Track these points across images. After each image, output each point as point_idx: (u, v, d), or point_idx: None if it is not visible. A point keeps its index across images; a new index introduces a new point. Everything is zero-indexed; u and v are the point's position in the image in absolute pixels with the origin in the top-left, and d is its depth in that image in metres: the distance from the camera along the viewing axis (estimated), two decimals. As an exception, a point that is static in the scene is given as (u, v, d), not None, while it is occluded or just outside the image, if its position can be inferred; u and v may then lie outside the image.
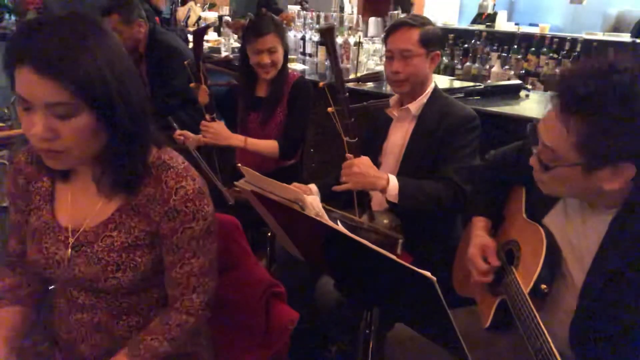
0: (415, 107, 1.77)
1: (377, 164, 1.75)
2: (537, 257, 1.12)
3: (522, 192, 1.33)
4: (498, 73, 2.96)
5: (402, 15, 3.43)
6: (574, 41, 3.18)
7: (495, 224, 1.40)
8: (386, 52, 1.78)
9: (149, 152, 1.01)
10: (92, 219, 1.03)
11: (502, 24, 4.60)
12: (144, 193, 1.01)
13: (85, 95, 0.85)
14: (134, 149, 0.96)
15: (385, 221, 1.63)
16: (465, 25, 5.10)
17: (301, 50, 3.73)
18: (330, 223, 1.08)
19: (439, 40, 1.78)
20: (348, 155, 1.60)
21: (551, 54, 3.24)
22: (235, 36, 4.10)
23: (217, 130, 2.06)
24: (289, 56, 2.35)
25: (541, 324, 1.00)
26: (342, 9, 4.62)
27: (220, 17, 4.50)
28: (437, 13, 5.29)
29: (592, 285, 1.05)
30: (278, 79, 2.18)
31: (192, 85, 2.04)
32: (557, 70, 3.14)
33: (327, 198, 1.71)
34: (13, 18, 4.71)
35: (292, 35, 3.69)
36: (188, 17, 4.94)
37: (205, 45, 3.65)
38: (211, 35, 4.33)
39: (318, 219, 1.09)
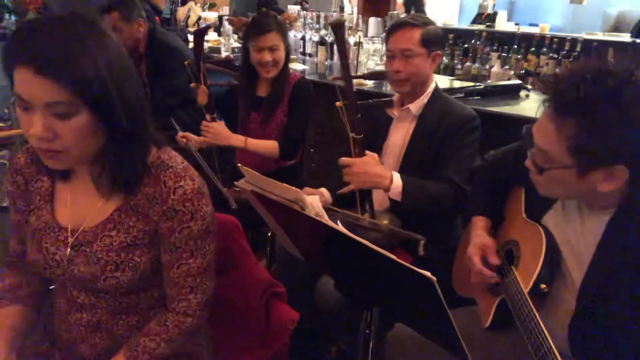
0: (415, 107, 1.77)
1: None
2: (536, 257, 1.12)
3: (521, 192, 1.33)
4: (498, 73, 2.95)
5: (402, 15, 3.43)
6: (574, 41, 3.18)
7: (495, 224, 1.40)
8: (387, 52, 1.78)
9: (148, 152, 1.01)
10: (91, 219, 1.03)
11: (502, 24, 4.61)
12: (143, 193, 1.01)
13: (84, 95, 0.85)
14: (132, 148, 0.96)
15: (386, 221, 1.63)
16: (465, 25, 5.10)
17: (301, 50, 3.73)
18: (330, 223, 1.08)
19: (440, 40, 1.79)
20: (353, 151, 1.58)
21: (551, 54, 3.24)
22: (235, 36, 4.10)
23: (217, 130, 2.06)
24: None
25: (541, 323, 1.00)
26: (342, 9, 4.63)
27: (220, 17, 4.50)
28: (437, 13, 5.30)
29: (591, 284, 1.06)
30: (279, 79, 2.18)
31: (192, 85, 2.04)
32: (557, 70, 3.14)
33: (338, 202, 1.72)
34: (13, 18, 4.71)
35: (292, 35, 3.69)
36: (188, 17, 4.94)
37: (205, 45, 3.65)
38: (211, 35, 4.34)
39: (318, 219, 1.09)
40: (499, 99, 2.47)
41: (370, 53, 3.30)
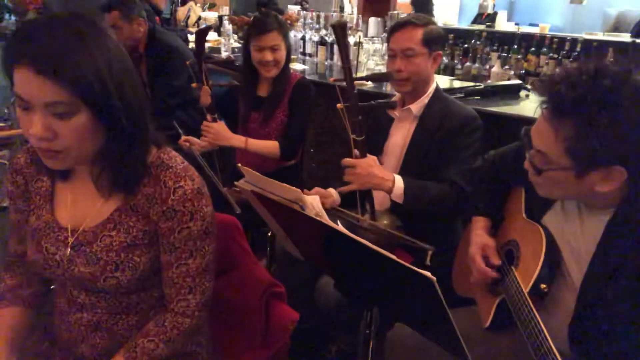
0: (416, 107, 1.77)
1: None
2: (536, 257, 1.12)
3: (521, 192, 1.33)
4: (498, 73, 2.95)
5: (403, 15, 3.43)
6: (574, 41, 3.18)
7: (495, 224, 1.40)
8: (389, 51, 1.78)
9: (148, 152, 1.01)
10: (91, 219, 1.03)
11: (502, 24, 4.61)
12: (143, 193, 1.01)
13: (83, 95, 0.85)
14: (132, 148, 0.96)
15: (386, 222, 1.63)
16: (465, 25, 5.11)
17: (301, 50, 3.73)
18: (330, 223, 1.08)
19: (441, 41, 1.79)
20: (355, 152, 1.58)
21: (551, 54, 3.24)
22: (236, 36, 4.10)
23: (218, 131, 2.06)
24: (289, 56, 2.34)
25: (541, 323, 1.00)
26: (342, 9, 4.63)
27: (220, 17, 4.50)
28: (437, 13, 5.30)
29: (591, 284, 1.06)
30: (280, 79, 2.18)
31: (193, 85, 2.04)
32: (557, 70, 3.14)
33: (341, 203, 1.72)
34: (13, 18, 4.72)
35: (292, 35, 3.69)
36: (188, 17, 4.94)
37: (205, 45, 3.65)
38: (211, 35, 4.33)
39: (318, 219, 1.09)
40: (499, 99, 2.47)
41: (370, 53, 3.30)
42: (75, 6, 3.79)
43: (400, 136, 1.81)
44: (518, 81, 2.71)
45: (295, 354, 1.45)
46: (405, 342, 1.34)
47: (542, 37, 3.39)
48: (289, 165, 2.31)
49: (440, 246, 1.71)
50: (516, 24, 4.68)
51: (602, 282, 1.03)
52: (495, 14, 4.75)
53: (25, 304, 1.13)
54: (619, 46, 3.33)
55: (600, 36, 3.92)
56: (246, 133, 2.19)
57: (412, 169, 1.72)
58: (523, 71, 3.28)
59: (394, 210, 1.69)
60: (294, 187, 1.16)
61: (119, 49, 0.92)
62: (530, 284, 1.10)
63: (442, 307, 0.91)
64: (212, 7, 5.22)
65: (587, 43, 3.19)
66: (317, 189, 1.75)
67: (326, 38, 3.55)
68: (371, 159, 1.58)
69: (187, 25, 4.88)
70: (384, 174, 1.58)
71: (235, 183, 1.30)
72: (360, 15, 3.89)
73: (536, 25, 4.48)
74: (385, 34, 3.51)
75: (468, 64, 3.27)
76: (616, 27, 4.52)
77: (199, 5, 5.14)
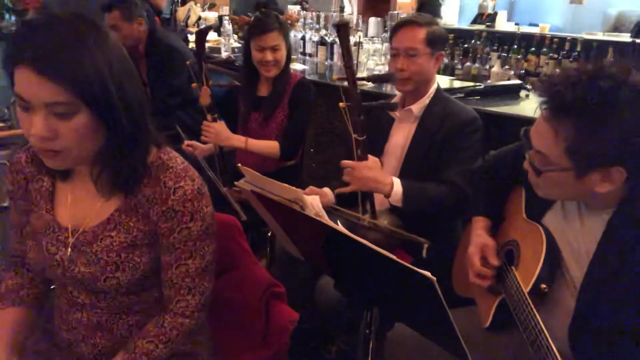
0: (417, 108, 1.77)
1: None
2: (537, 257, 1.12)
3: (522, 192, 1.33)
4: (498, 73, 2.95)
5: (403, 15, 3.43)
6: (574, 41, 3.18)
7: (495, 224, 1.40)
8: (391, 50, 1.77)
9: (148, 152, 1.01)
10: (91, 219, 1.03)
11: (502, 24, 4.61)
12: (143, 193, 1.00)
13: (84, 95, 0.85)
14: (133, 149, 0.96)
15: (386, 221, 1.63)
16: (465, 25, 5.10)
17: (301, 50, 3.73)
18: (330, 223, 1.08)
19: (444, 41, 1.79)
20: (356, 152, 1.58)
21: (551, 54, 3.24)
22: (236, 36, 4.10)
23: (218, 131, 2.06)
24: (289, 56, 2.34)
25: (541, 323, 1.00)
26: (342, 9, 4.63)
27: (220, 17, 4.50)
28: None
29: (591, 284, 1.06)
30: (280, 79, 2.18)
31: (194, 85, 2.04)
32: (557, 70, 3.14)
33: (341, 202, 1.72)
34: (13, 18, 4.71)
35: (293, 35, 3.69)
36: (188, 17, 4.94)
37: (206, 45, 3.66)
38: (211, 35, 4.33)
39: (318, 219, 1.09)
40: (499, 99, 2.47)
41: (370, 53, 3.30)
42: (75, 6, 3.79)
43: (400, 137, 1.81)
44: (518, 81, 2.71)
45: (295, 354, 1.45)
46: (405, 342, 1.34)
47: (542, 37, 3.39)
48: (289, 165, 2.31)
49: (441, 246, 1.72)
50: (516, 24, 4.68)
51: (602, 282, 1.03)
52: (495, 14, 4.75)
53: (26, 304, 1.13)
54: (619, 46, 3.33)
55: (600, 36, 3.91)
56: (246, 133, 2.19)
57: (412, 170, 1.72)
58: (523, 71, 3.28)
59: (394, 210, 1.69)
60: (294, 187, 1.16)
61: (119, 49, 0.92)
62: (531, 284, 1.10)
63: (442, 307, 0.91)
64: (212, 7, 5.22)
65: (587, 43, 3.19)
66: (311, 187, 1.74)
67: (326, 38, 3.55)
68: (372, 160, 1.58)
69: (187, 25, 4.88)
70: (383, 178, 1.58)
71: (235, 183, 1.30)
72: (360, 15, 3.89)
73: (536, 25, 4.48)
74: (385, 34, 3.51)
75: (468, 64, 3.27)
76: (616, 27, 4.52)
77: (199, 5, 5.14)
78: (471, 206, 1.46)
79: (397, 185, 1.59)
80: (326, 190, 1.82)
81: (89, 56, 0.84)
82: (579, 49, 3.13)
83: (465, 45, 3.68)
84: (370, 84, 2.75)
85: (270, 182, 1.20)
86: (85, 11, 0.92)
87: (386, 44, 3.35)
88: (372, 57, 3.30)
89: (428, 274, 0.86)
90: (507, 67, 3.11)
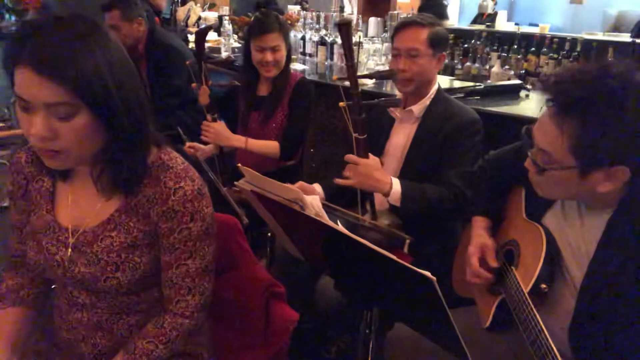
0: (418, 109, 1.76)
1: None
2: (537, 257, 1.12)
3: (522, 192, 1.33)
4: (498, 73, 2.96)
5: (403, 15, 3.43)
6: (574, 41, 3.18)
7: (495, 224, 1.40)
8: (393, 50, 1.77)
9: (148, 153, 1.01)
10: (92, 219, 1.03)
11: (502, 24, 4.61)
12: (144, 193, 1.01)
13: (84, 96, 0.85)
14: (133, 149, 0.96)
15: (386, 221, 1.63)
16: (465, 25, 5.10)
17: (301, 50, 3.73)
18: (330, 223, 1.08)
19: (446, 42, 1.78)
20: (356, 153, 1.58)
21: (551, 54, 3.24)
22: (236, 36, 4.10)
23: (218, 131, 2.06)
24: (289, 56, 2.34)
25: (541, 323, 1.00)
26: (342, 9, 4.62)
27: (220, 17, 4.50)
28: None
29: (591, 285, 1.06)
30: (280, 78, 2.18)
31: (193, 85, 2.04)
32: (557, 70, 3.14)
33: (332, 199, 1.71)
34: (13, 18, 4.72)
35: (292, 35, 3.69)
36: (188, 17, 4.94)
37: (205, 45, 3.66)
38: (211, 35, 4.33)
39: (318, 219, 1.09)
40: (499, 99, 2.47)
41: (370, 53, 3.30)
42: (75, 6, 3.80)
43: (401, 137, 1.81)
44: (518, 81, 2.71)
45: (295, 354, 1.45)
46: (405, 342, 1.34)
47: (542, 37, 3.39)
48: (289, 165, 2.31)
49: (441, 246, 1.72)
50: (516, 24, 4.68)
51: (603, 282, 1.03)
52: (495, 14, 4.74)
53: (26, 304, 1.13)
54: (619, 46, 3.33)
55: (600, 36, 3.91)
56: (246, 133, 2.19)
57: (412, 170, 1.72)
58: (523, 71, 3.28)
59: (394, 210, 1.69)
60: (294, 187, 1.16)
61: (119, 49, 0.92)
62: (531, 284, 1.10)
63: (442, 307, 0.91)
64: (212, 7, 5.22)
65: (587, 43, 3.19)
66: (301, 183, 1.74)
67: (326, 38, 3.55)
68: (374, 160, 1.58)
69: (187, 25, 4.88)
70: (383, 177, 1.58)
71: (235, 183, 1.30)
72: (360, 15, 3.89)
73: (536, 25, 4.48)
74: (385, 34, 3.51)
75: (468, 64, 3.28)
76: (616, 27, 4.52)
77: (199, 5, 5.14)
78: (471, 206, 1.46)
79: (396, 184, 1.59)
80: (316, 186, 1.82)
81: (90, 57, 0.84)
82: (579, 49, 3.13)
83: (465, 45, 3.68)
84: (370, 84, 2.75)
85: (270, 182, 1.20)
86: (85, 11, 0.92)
87: (386, 44, 3.35)
88: (372, 57, 3.30)
89: (428, 274, 0.86)
90: (507, 67, 3.11)
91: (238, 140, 2.10)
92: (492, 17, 4.66)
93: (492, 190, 1.42)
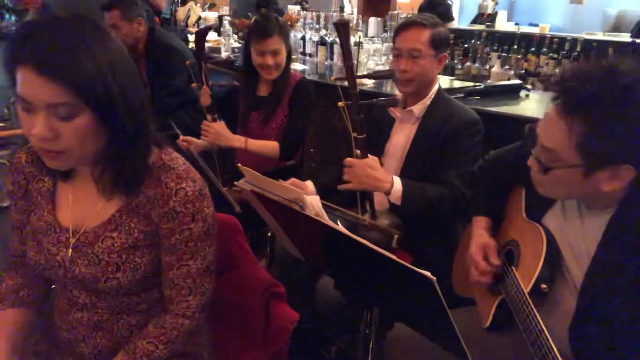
0: (418, 109, 1.76)
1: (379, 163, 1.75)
2: (537, 257, 1.12)
3: (522, 192, 1.33)
4: (498, 73, 2.96)
5: (403, 15, 3.43)
6: (574, 41, 3.18)
7: (495, 224, 1.40)
8: (394, 50, 1.76)
9: (149, 153, 1.01)
10: (92, 220, 1.03)
11: (502, 24, 4.60)
12: (145, 194, 1.01)
13: (86, 96, 0.85)
14: (134, 149, 0.96)
15: (386, 221, 1.63)
16: (465, 25, 5.10)
17: (301, 50, 3.73)
18: (330, 223, 1.08)
19: (447, 42, 1.78)
20: (355, 152, 1.58)
21: (551, 54, 3.24)
22: (236, 36, 4.10)
23: (218, 131, 2.06)
24: (289, 56, 2.34)
25: (541, 323, 1.00)
26: (342, 9, 4.63)
27: (220, 17, 4.50)
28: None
29: (591, 285, 1.05)
30: (280, 79, 2.18)
31: (193, 85, 2.04)
32: (557, 70, 3.14)
33: (323, 196, 1.71)
34: (13, 18, 4.72)
35: (292, 35, 3.69)
36: (188, 17, 4.94)
37: (205, 45, 3.66)
38: (211, 35, 4.34)
39: (318, 219, 1.09)
40: (499, 99, 2.47)
41: (370, 53, 3.30)
42: (75, 6, 3.80)
43: (401, 137, 1.81)
44: (518, 81, 2.71)
45: (295, 354, 1.45)
46: (405, 342, 1.34)
47: (542, 37, 3.39)
48: (289, 165, 2.31)
49: (441, 246, 1.72)
50: (516, 24, 4.68)
51: (603, 282, 1.03)
52: (495, 14, 4.74)
53: (26, 305, 1.13)
54: (619, 46, 3.33)
55: (600, 36, 3.91)
56: (246, 133, 2.19)
57: (413, 170, 1.72)
58: (523, 71, 3.28)
59: (394, 210, 1.69)
60: (294, 187, 1.16)
61: (121, 50, 0.92)
62: (531, 284, 1.10)
63: (442, 307, 0.91)
64: (212, 7, 5.22)
65: (587, 43, 3.20)
66: (293, 180, 1.73)
67: (326, 38, 3.55)
68: (372, 159, 1.58)
69: (187, 25, 4.88)
70: (382, 176, 1.58)
71: (235, 183, 1.30)
72: (360, 15, 3.89)
73: (536, 25, 4.48)
74: (385, 34, 3.51)
75: (468, 64, 3.28)
76: (616, 27, 4.51)
77: (199, 5, 5.14)
78: (471, 206, 1.46)
79: (397, 183, 1.59)
80: (308, 183, 1.83)
81: (91, 57, 0.84)
82: (579, 49, 3.13)
83: (465, 45, 3.68)
84: (370, 84, 2.75)
85: (270, 182, 1.20)
86: (85, 11, 0.92)
87: (386, 44, 3.35)
88: (372, 57, 3.30)
89: (428, 274, 0.86)
90: (507, 67, 3.11)
91: (238, 141, 2.10)
92: (492, 17, 4.65)
93: (492, 190, 1.42)
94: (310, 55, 3.69)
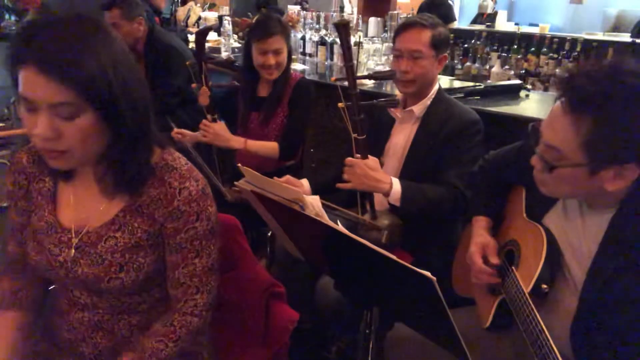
0: (418, 109, 1.76)
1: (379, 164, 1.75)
2: (537, 257, 1.12)
3: (522, 192, 1.33)
4: (498, 73, 2.96)
5: (403, 15, 3.43)
6: (574, 41, 3.19)
7: (495, 224, 1.40)
8: (394, 51, 1.76)
9: (152, 153, 1.01)
10: (95, 220, 1.03)
11: (502, 24, 4.61)
12: (148, 194, 1.01)
13: (88, 96, 0.85)
14: (137, 149, 0.96)
15: (386, 221, 1.63)
16: (465, 25, 5.10)
17: (301, 50, 3.73)
18: (330, 223, 1.08)
19: (448, 43, 1.78)
20: (356, 153, 1.58)
21: (551, 54, 3.24)
22: (236, 36, 4.10)
23: (218, 131, 2.06)
24: (289, 56, 2.34)
25: (541, 323, 1.00)
26: (342, 9, 4.63)
27: (220, 17, 4.50)
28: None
29: (592, 285, 1.05)
30: (280, 79, 2.18)
31: (193, 86, 2.04)
32: (557, 70, 3.15)
33: (318, 194, 1.71)
34: (13, 18, 4.72)
35: (292, 35, 3.69)
36: (188, 17, 4.94)
37: (206, 45, 3.66)
38: (211, 35, 4.33)
39: (318, 219, 1.09)
40: (499, 99, 2.47)
41: (370, 53, 3.30)
42: (75, 6, 3.79)
43: (401, 137, 1.81)
44: (518, 81, 2.71)
45: (295, 354, 1.45)
46: (405, 342, 1.34)
47: (542, 37, 3.39)
48: (289, 165, 2.31)
49: (441, 246, 1.72)
50: (516, 24, 4.68)
51: (604, 282, 1.03)
52: (495, 13, 4.75)
53: (24, 307, 1.12)
54: (619, 46, 3.33)
55: (600, 36, 3.92)
56: (246, 133, 2.19)
57: (413, 170, 1.72)
58: (523, 71, 3.28)
59: (394, 210, 1.69)
60: (294, 187, 1.16)
61: (123, 49, 0.92)
62: (531, 284, 1.10)
63: (442, 307, 0.91)
64: (212, 7, 5.22)
65: (587, 43, 3.20)
66: (288, 177, 1.73)
67: (326, 38, 3.54)
68: (372, 160, 1.58)
69: (187, 25, 4.88)
70: (382, 177, 1.58)
71: (235, 183, 1.30)
72: (360, 15, 3.88)
73: (536, 25, 4.48)
74: (385, 34, 3.51)
75: (468, 64, 3.28)
76: (616, 27, 4.52)
77: (199, 5, 5.14)
78: (471, 206, 1.45)
79: (396, 184, 1.59)
80: (303, 181, 1.83)
81: (94, 57, 0.84)
82: (579, 49, 3.13)
83: (465, 45, 3.68)
84: (370, 84, 2.75)
85: (270, 182, 1.20)
86: (85, 10, 0.91)
87: (386, 44, 3.35)
88: (372, 57, 3.30)
89: (428, 274, 0.86)
90: (507, 67, 3.11)
91: (237, 141, 2.09)
92: (492, 17, 4.66)
93: (492, 190, 1.42)
94: (310, 55, 3.69)
